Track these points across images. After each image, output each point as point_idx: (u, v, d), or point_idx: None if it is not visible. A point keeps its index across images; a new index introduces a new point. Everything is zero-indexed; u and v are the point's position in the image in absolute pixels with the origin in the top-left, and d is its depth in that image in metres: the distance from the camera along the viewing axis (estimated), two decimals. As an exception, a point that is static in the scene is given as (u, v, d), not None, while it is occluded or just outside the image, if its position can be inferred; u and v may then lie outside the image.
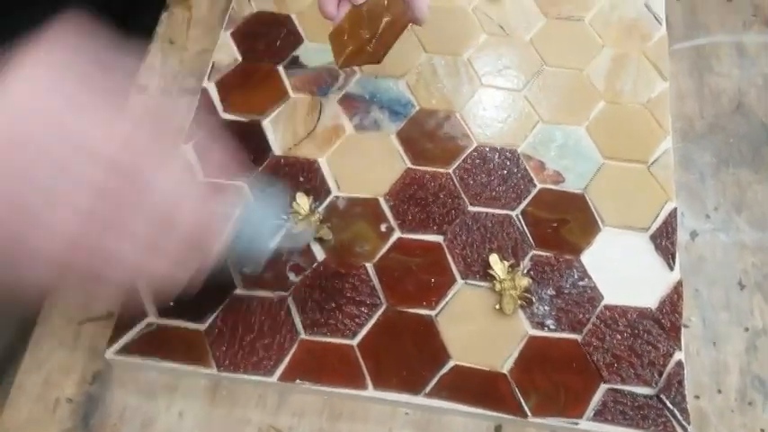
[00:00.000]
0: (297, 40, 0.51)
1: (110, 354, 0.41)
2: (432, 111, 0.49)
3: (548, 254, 0.44)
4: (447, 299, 0.42)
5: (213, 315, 0.42)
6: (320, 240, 0.44)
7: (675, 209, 0.45)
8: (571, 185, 0.46)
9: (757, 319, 0.43)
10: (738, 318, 0.43)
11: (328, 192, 0.46)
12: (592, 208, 0.45)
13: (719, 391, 0.41)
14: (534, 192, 0.46)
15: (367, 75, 0.50)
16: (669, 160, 0.47)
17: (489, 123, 0.48)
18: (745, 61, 0.53)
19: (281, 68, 0.49)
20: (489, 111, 0.49)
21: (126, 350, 0.41)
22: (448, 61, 0.51)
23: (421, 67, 0.50)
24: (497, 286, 0.42)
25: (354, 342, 0.41)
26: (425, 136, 0.48)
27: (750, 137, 0.50)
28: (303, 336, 0.41)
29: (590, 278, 0.43)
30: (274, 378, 0.40)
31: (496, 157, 0.47)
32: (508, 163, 0.47)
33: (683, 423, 0.39)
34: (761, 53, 0.54)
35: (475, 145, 0.47)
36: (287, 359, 0.40)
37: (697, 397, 0.41)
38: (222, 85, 0.48)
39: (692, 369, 0.42)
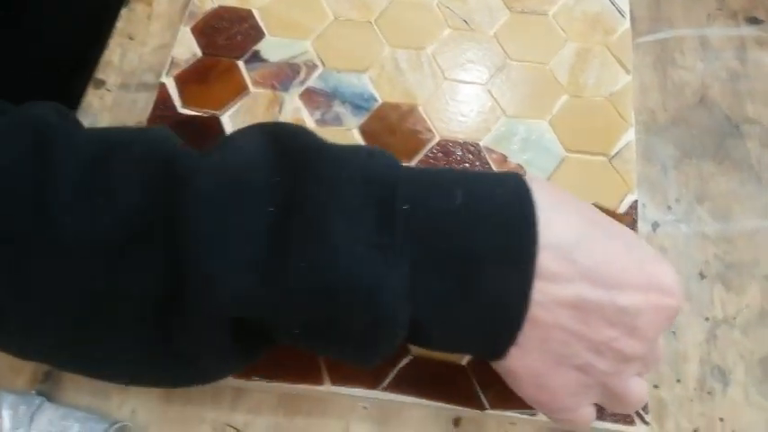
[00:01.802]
0: (258, 34, 0.50)
1: (63, 351, 0.40)
2: (394, 105, 0.48)
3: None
4: (406, 292, 0.42)
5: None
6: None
7: (636, 201, 0.45)
8: (532, 178, 0.46)
9: (717, 309, 0.43)
10: (699, 308, 0.43)
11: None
12: (553, 200, 0.45)
13: (679, 381, 0.41)
14: (495, 185, 0.45)
15: (329, 69, 0.49)
16: (631, 153, 0.47)
17: (452, 117, 0.48)
18: (709, 54, 0.54)
19: (241, 63, 0.49)
20: (452, 105, 0.49)
21: (80, 347, 0.40)
22: (411, 55, 0.50)
23: (384, 62, 0.50)
24: (457, 279, 0.42)
25: (312, 336, 0.40)
26: (387, 130, 0.47)
27: (713, 129, 0.50)
28: (260, 330, 0.41)
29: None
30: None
31: (459, 150, 0.47)
32: (471, 156, 0.47)
33: (641, 413, 0.38)
34: (725, 46, 0.54)
35: (437, 139, 0.47)
36: (242, 354, 0.40)
37: (656, 386, 0.41)
38: (181, 80, 0.48)
39: (653, 360, 0.41)
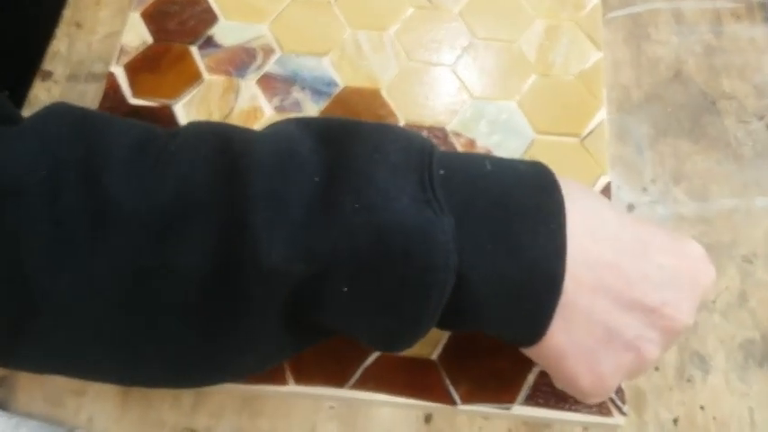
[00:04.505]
0: (211, 18, 0.48)
1: (11, 359, 0.38)
2: (356, 89, 0.46)
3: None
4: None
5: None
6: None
7: (610, 182, 0.43)
8: (502, 162, 0.44)
9: (696, 293, 0.42)
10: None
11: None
12: (523, 184, 0.43)
13: (657, 369, 0.40)
14: (464, 170, 0.43)
15: (287, 53, 0.47)
16: (603, 133, 0.45)
17: (417, 101, 0.46)
18: (684, 28, 0.52)
19: (194, 49, 0.47)
20: (417, 88, 0.47)
21: (29, 354, 0.38)
22: (373, 37, 0.48)
23: (345, 44, 0.48)
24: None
25: (273, 335, 0.39)
26: (350, 116, 0.45)
27: (689, 106, 0.49)
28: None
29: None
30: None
31: (425, 135, 0.45)
32: (437, 141, 0.45)
33: (618, 403, 0.37)
34: (699, 20, 0.52)
35: (402, 124, 0.45)
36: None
37: (634, 376, 0.39)
38: (131, 69, 0.45)
39: (630, 347, 0.40)
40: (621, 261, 0.29)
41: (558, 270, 0.28)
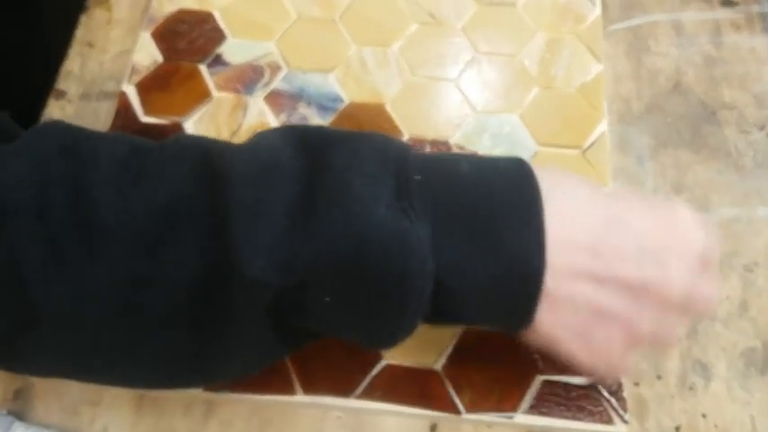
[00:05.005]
0: (220, 36, 0.49)
1: (29, 371, 0.39)
2: (361, 104, 0.47)
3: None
4: (377, 297, 0.41)
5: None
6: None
7: (611, 193, 0.44)
8: (504, 174, 0.45)
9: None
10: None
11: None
12: (526, 196, 0.44)
13: (659, 378, 0.40)
14: (467, 182, 0.44)
15: (294, 70, 0.48)
16: (604, 144, 0.46)
17: (420, 115, 0.47)
18: (684, 40, 0.52)
19: (203, 67, 0.48)
20: (420, 102, 0.48)
21: (45, 366, 0.39)
22: (377, 53, 0.49)
23: (350, 60, 0.49)
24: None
25: (281, 346, 0.39)
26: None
27: (689, 116, 0.49)
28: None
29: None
30: (199, 388, 0.38)
31: (428, 149, 0.46)
32: (441, 154, 0.45)
33: (620, 411, 0.38)
34: (699, 31, 0.53)
35: (406, 138, 0.46)
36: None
37: (636, 384, 0.40)
38: (142, 88, 0.47)
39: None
40: (597, 243, 0.29)
41: (537, 264, 0.29)
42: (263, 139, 0.31)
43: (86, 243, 0.27)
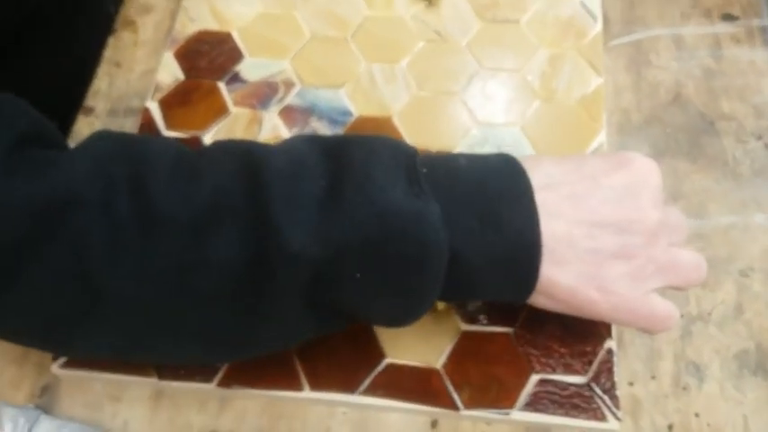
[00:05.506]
0: (238, 55, 0.52)
1: (55, 368, 0.42)
2: (369, 118, 0.50)
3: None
4: (381, 299, 0.43)
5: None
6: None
7: (608, 201, 0.46)
8: (505, 183, 0.47)
9: (693, 305, 0.44)
10: (674, 305, 0.44)
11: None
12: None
13: (653, 378, 0.42)
14: (469, 191, 0.46)
15: (307, 86, 0.51)
16: (603, 154, 0.47)
17: (426, 127, 0.49)
18: (684, 53, 0.54)
19: (222, 84, 0.51)
20: (426, 115, 0.50)
21: (71, 364, 0.42)
22: (385, 69, 0.52)
23: (360, 76, 0.51)
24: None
25: (290, 345, 0.42)
26: (364, 142, 0.49)
27: (688, 127, 0.51)
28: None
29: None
30: (213, 384, 0.41)
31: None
32: (445, 164, 0.48)
33: (613, 410, 0.39)
34: (699, 45, 0.55)
35: (412, 149, 0.48)
36: (225, 365, 0.41)
37: (631, 384, 0.41)
38: (164, 104, 0.50)
39: (627, 357, 0.42)
40: (579, 201, 0.35)
41: (536, 232, 0.34)
42: (293, 146, 0.35)
43: (145, 232, 0.31)
